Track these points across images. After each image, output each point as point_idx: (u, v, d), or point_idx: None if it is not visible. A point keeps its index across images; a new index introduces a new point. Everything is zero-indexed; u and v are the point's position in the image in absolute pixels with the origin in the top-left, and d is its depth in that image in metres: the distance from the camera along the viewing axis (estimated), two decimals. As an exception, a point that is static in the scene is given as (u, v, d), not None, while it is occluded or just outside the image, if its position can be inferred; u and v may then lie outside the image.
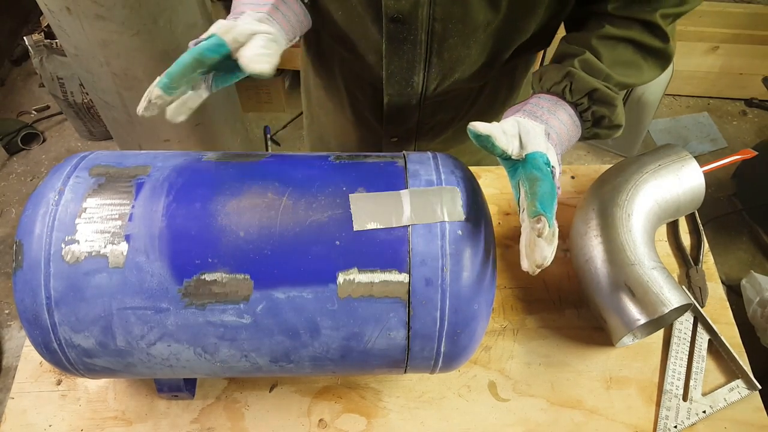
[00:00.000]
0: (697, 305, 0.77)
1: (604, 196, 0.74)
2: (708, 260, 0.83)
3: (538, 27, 0.68)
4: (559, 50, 0.65)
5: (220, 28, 0.57)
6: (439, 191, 0.53)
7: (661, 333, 0.76)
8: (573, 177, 0.92)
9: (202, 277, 0.49)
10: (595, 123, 0.62)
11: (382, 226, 0.51)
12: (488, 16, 0.63)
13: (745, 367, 0.71)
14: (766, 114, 2.32)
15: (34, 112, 2.24)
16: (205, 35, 0.58)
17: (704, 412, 0.69)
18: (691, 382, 0.71)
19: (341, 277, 0.50)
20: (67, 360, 0.53)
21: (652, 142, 2.24)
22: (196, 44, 0.58)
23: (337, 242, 0.50)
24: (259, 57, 0.56)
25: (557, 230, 0.52)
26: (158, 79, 0.55)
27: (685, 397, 0.70)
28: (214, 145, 1.58)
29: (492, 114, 0.87)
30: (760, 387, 0.71)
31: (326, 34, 0.78)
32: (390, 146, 0.87)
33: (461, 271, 0.50)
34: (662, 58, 0.65)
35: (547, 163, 0.55)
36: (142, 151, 0.59)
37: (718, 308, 0.78)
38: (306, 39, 0.91)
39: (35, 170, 2.08)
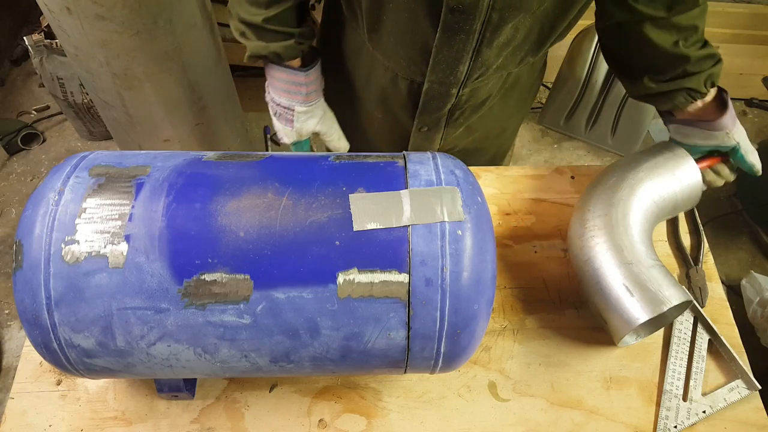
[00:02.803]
0: (697, 305, 0.77)
1: (600, 196, 0.74)
2: (708, 260, 0.83)
3: (581, 8, 0.70)
4: (703, 53, 0.72)
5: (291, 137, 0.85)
6: (439, 191, 0.53)
7: (661, 333, 0.76)
8: (573, 177, 0.92)
9: (202, 277, 0.49)
10: None
11: (382, 226, 0.50)
12: (540, 1, 0.64)
13: (745, 367, 0.71)
14: (766, 114, 2.32)
15: (34, 112, 2.24)
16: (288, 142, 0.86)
17: (704, 412, 0.69)
18: (691, 382, 0.71)
19: (341, 278, 0.50)
20: (67, 360, 0.53)
21: (651, 143, 2.24)
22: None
23: (337, 242, 0.50)
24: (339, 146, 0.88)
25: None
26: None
27: (685, 397, 0.70)
28: (214, 145, 1.58)
29: (516, 94, 0.88)
30: (760, 387, 0.71)
31: (355, 36, 0.79)
32: (419, 136, 0.87)
33: (461, 271, 0.50)
34: None
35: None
36: (142, 151, 0.59)
37: (718, 308, 0.78)
38: (323, 44, 0.90)
39: (35, 170, 2.08)
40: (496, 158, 1.07)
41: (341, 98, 0.92)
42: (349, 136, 0.97)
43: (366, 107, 0.89)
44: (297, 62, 0.79)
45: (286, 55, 0.77)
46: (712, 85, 0.72)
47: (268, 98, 0.84)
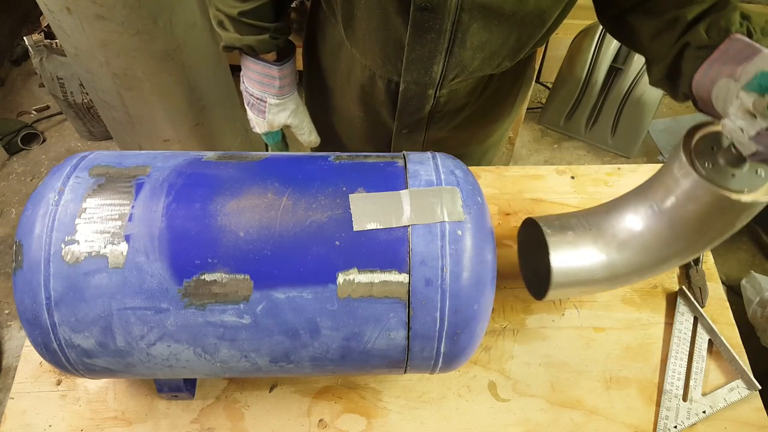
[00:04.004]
0: (697, 305, 0.77)
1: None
2: (708, 260, 0.83)
3: (557, 16, 0.69)
4: (700, 7, 0.60)
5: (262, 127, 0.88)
6: (439, 191, 0.53)
7: (661, 333, 0.76)
8: (573, 177, 0.92)
9: (202, 277, 0.49)
10: None
11: (382, 226, 0.50)
12: (516, 7, 0.63)
13: (745, 367, 0.71)
14: (766, 114, 2.32)
15: (34, 112, 2.24)
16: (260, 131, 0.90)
17: (704, 412, 0.69)
18: (691, 382, 0.71)
19: (341, 278, 0.50)
20: (67, 360, 0.53)
21: (651, 143, 2.24)
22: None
23: (337, 242, 0.50)
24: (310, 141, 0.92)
25: None
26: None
27: (685, 397, 0.70)
28: (214, 145, 1.58)
29: (500, 100, 0.88)
30: (760, 387, 0.71)
31: (335, 33, 0.80)
32: (401, 137, 0.87)
33: (461, 271, 0.50)
34: None
35: None
36: (142, 151, 0.59)
37: (718, 308, 0.78)
38: (309, 39, 0.91)
39: (35, 170, 2.08)
40: (482, 164, 1.07)
41: (325, 96, 0.92)
42: (331, 135, 0.97)
43: (348, 105, 0.89)
44: (272, 56, 0.81)
45: (260, 48, 0.78)
46: (724, 33, 0.56)
47: (242, 88, 0.86)
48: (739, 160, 0.51)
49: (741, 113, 0.47)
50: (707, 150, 0.53)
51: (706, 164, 0.52)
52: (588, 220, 0.62)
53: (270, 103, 0.83)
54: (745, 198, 0.51)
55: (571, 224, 0.62)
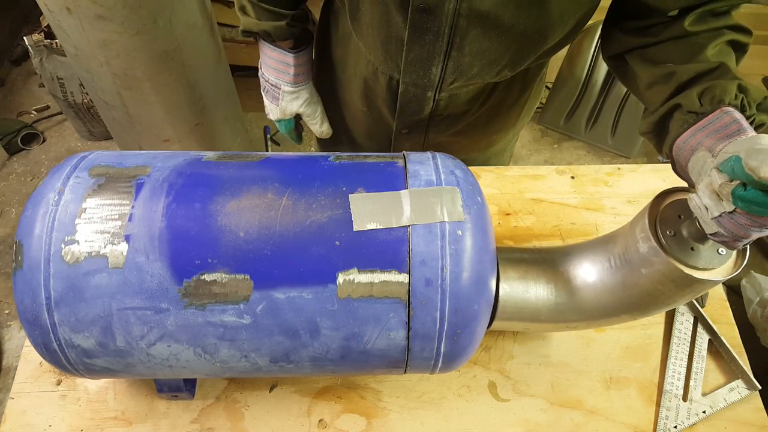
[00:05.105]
0: (697, 305, 0.77)
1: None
2: (708, 260, 0.83)
3: (564, 36, 0.69)
4: (699, 68, 0.58)
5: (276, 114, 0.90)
6: (439, 191, 0.53)
7: (661, 333, 0.76)
8: (573, 177, 0.92)
9: (202, 277, 0.49)
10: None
11: (382, 226, 0.50)
12: (514, 19, 0.64)
13: (745, 367, 0.71)
14: (766, 114, 2.32)
15: (34, 112, 2.24)
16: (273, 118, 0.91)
17: (704, 412, 0.69)
18: (691, 382, 0.71)
19: (341, 278, 0.50)
20: (67, 360, 0.53)
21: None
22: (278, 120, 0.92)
23: (337, 242, 0.50)
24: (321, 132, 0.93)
25: None
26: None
27: (685, 397, 0.70)
28: (214, 145, 1.58)
29: (504, 111, 0.88)
30: (760, 387, 0.71)
31: (346, 24, 0.80)
32: (401, 137, 0.88)
33: (461, 271, 0.50)
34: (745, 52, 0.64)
35: None
36: (142, 152, 0.59)
37: (718, 308, 0.78)
38: (322, 27, 0.92)
39: (35, 170, 2.08)
40: None
41: (333, 86, 0.93)
42: (336, 127, 0.98)
43: (353, 99, 0.90)
44: (288, 43, 0.82)
45: (276, 35, 0.79)
46: (717, 103, 0.53)
47: (259, 74, 0.88)
48: (701, 235, 0.50)
49: (708, 192, 0.46)
50: (673, 217, 0.52)
51: (668, 232, 0.52)
52: (546, 259, 0.61)
53: (284, 91, 0.85)
54: (698, 275, 0.50)
55: (528, 259, 0.61)
